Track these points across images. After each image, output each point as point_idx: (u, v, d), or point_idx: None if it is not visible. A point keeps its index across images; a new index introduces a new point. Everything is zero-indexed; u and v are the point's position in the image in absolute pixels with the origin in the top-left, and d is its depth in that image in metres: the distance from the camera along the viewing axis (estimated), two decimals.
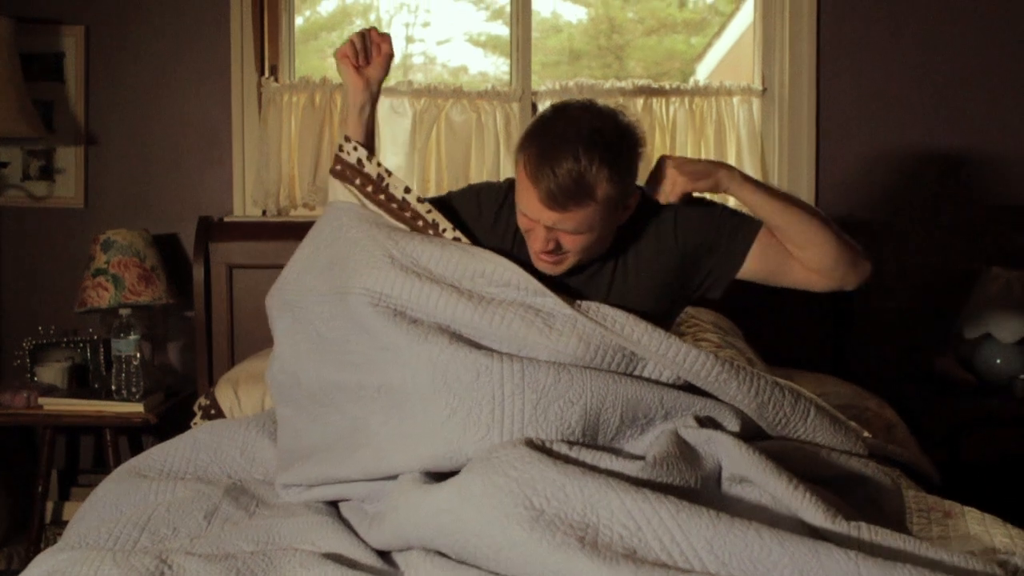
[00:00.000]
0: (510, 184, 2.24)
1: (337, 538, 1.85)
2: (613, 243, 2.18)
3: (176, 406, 3.59)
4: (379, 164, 2.21)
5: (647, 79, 3.93)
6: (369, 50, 2.24)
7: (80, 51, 3.80)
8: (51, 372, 3.59)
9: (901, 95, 3.88)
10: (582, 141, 1.98)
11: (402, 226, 2.14)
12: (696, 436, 1.85)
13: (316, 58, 4.14)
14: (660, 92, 3.86)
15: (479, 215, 2.27)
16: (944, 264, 3.92)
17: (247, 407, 3.07)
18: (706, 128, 3.88)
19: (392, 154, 3.79)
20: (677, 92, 3.88)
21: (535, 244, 2.09)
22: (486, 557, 1.62)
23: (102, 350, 3.64)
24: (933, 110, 3.89)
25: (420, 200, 2.18)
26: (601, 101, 2.12)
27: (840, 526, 1.63)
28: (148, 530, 1.93)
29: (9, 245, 3.86)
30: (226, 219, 3.78)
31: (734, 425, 1.95)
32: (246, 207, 3.81)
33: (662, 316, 2.22)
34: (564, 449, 1.77)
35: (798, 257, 2.22)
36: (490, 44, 4.24)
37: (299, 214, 3.84)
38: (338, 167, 2.23)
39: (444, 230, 2.14)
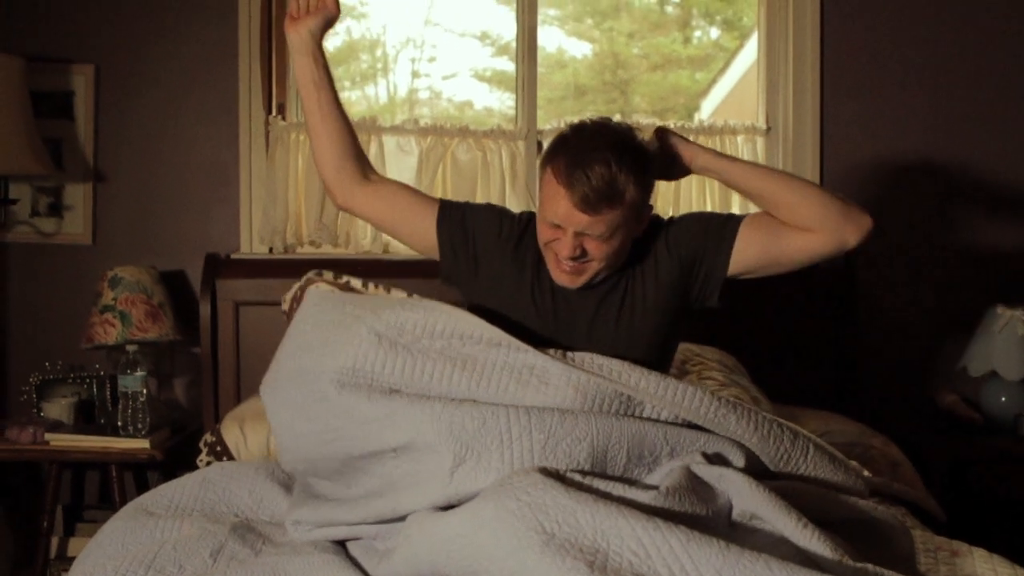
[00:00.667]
0: (530, 216, 2.38)
1: None
2: (625, 261, 2.28)
3: (182, 442, 3.59)
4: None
5: (652, 115, 3.96)
6: (313, 6, 2.37)
7: (90, 90, 3.83)
8: (57, 408, 3.59)
9: (906, 136, 3.90)
10: (610, 148, 2.12)
11: (382, 294, 2.15)
12: (708, 472, 1.86)
13: None
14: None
15: (499, 233, 2.37)
16: (949, 302, 3.93)
17: (253, 444, 3.07)
18: None
19: None
20: (682, 131, 3.89)
21: (563, 251, 2.17)
22: None
23: (108, 386, 3.64)
24: (939, 150, 3.91)
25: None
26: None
27: (848, 566, 1.63)
28: (154, 568, 1.93)
29: (17, 281, 3.88)
30: (233, 256, 3.80)
31: (740, 460, 1.95)
32: (253, 244, 3.83)
33: (669, 329, 2.32)
34: (577, 477, 1.77)
35: (789, 220, 2.25)
36: (495, 79, 4.27)
37: (306, 251, 3.86)
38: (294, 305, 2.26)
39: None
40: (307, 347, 2.05)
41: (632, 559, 1.56)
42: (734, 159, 2.36)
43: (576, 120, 2.27)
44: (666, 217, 2.40)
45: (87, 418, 3.64)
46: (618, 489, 1.75)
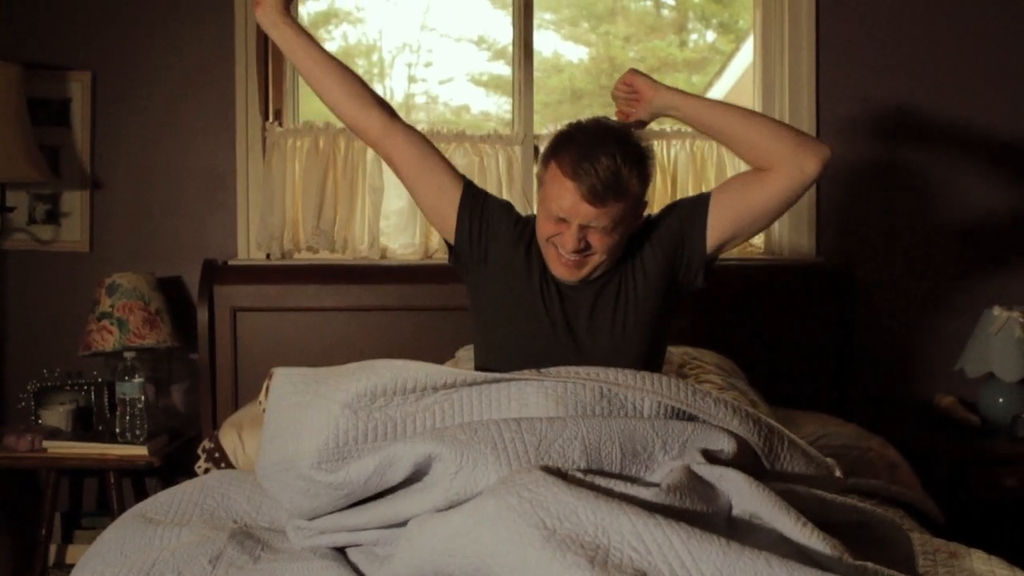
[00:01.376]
0: (530, 222, 2.42)
1: None
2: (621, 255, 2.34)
3: (180, 449, 3.59)
4: None
5: None
6: None
7: (87, 97, 3.83)
8: (55, 415, 3.59)
9: (902, 137, 3.91)
10: (615, 143, 2.20)
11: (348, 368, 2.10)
12: (709, 472, 1.86)
13: (320, 102, 4.16)
14: (661, 134, 3.89)
15: (513, 230, 2.42)
16: (946, 304, 3.93)
17: (251, 450, 3.07)
18: (707, 170, 3.91)
19: (396, 197, 3.82)
20: (678, 135, 3.91)
21: (567, 244, 2.22)
22: None
23: (106, 393, 3.64)
24: (936, 152, 3.92)
25: None
26: None
27: (848, 562, 1.63)
28: (153, 575, 1.93)
29: (15, 288, 3.87)
30: (230, 262, 3.80)
31: (730, 446, 1.96)
32: (250, 250, 3.83)
33: (661, 318, 2.39)
34: (578, 475, 1.78)
35: (748, 157, 2.33)
36: (492, 84, 4.28)
37: (303, 257, 3.86)
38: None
39: None
40: (282, 434, 2.01)
41: (633, 555, 1.56)
42: (695, 96, 2.40)
43: (574, 120, 2.32)
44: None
45: (85, 425, 3.64)
46: (619, 486, 1.76)
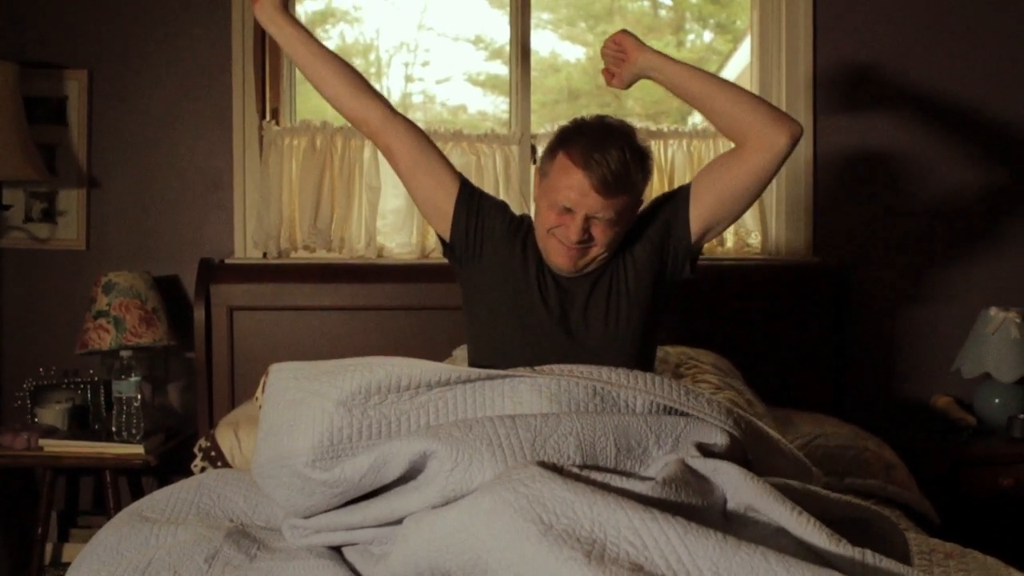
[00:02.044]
0: (530, 221, 2.48)
1: None
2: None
3: (176, 448, 3.59)
4: None
5: (645, 118, 3.97)
6: None
7: (83, 95, 3.83)
8: (51, 413, 3.59)
9: (900, 139, 3.92)
10: (623, 138, 2.27)
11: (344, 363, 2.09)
12: (703, 466, 1.87)
13: (317, 101, 4.17)
14: (658, 134, 3.89)
15: (507, 227, 2.46)
16: (942, 304, 3.94)
17: (247, 449, 3.07)
18: None
19: (393, 196, 3.82)
20: (675, 135, 3.91)
21: (571, 234, 2.26)
22: (496, 574, 1.63)
23: (103, 391, 3.64)
24: (933, 155, 3.92)
25: None
26: None
27: (845, 550, 1.63)
28: (148, 573, 1.93)
29: (11, 287, 3.87)
30: (227, 261, 3.80)
31: (723, 439, 1.98)
32: (247, 249, 3.83)
33: (651, 310, 2.42)
34: (574, 470, 1.78)
35: (723, 127, 2.38)
36: (489, 83, 4.28)
37: (300, 256, 3.86)
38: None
39: None
40: (276, 431, 2.01)
41: (630, 549, 1.56)
42: (679, 62, 2.43)
43: (577, 117, 2.38)
44: None
45: (81, 424, 3.64)
46: (615, 481, 1.76)
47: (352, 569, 1.94)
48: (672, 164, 3.90)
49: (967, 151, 3.93)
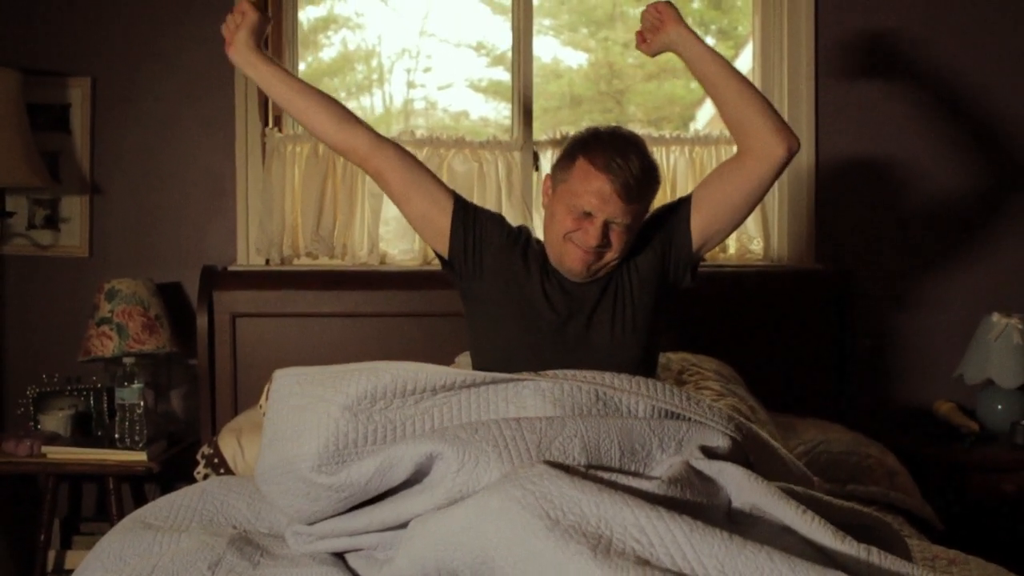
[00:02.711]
0: (528, 232, 2.53)
1: None
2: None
3: (179, 454, 3.59)
4: None
5: (647, 124, 3.97)
6: (235, 23, 2.48)
7: (86, 102, 3.84)
8: (54, 420, 3.59)
9: (901, 144, 3.92)
10: (639, 147, 2.33)
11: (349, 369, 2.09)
12: (708, 467, 1.87)
13: None
14: (660, 140, 3.89)
15: (506, 239, 2.48)
16: (945, 310, 3.94)
17: (250, 456, 3.07)
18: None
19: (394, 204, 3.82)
20: (677, 141, 3.91)
21: (590, 239, 2.29)
22: (504, 572, 1.63)
23: (105, 398, 3.64)
24: (934, 159, 3.92)
25: None
26: None
27: (851, 547, 1.63)
28: None
29: (14, 293, 3.87)
30: (230, 268, 3.80)
31: (725, 442, 1.99)
32: (250, 256, 3.83)
33: (655, 316, 2.45)
34: (581, 470, 1.79)
35: (728, 119, 2.41)
36: (491, 89, 4.28)
37: (302, 263, 3.86)
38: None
39: None
40: (281, 436, 2.01)
41: (635, 546, 1.57)
42: (706, 45, 2.46)
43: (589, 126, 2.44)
44: None
45: (84, 431, 3.64)
46: (622, 479, 1.77)
47: (355, 575, 1.94)
48: (674, 170, 3.90)
49: (969, 158, 3.93)
